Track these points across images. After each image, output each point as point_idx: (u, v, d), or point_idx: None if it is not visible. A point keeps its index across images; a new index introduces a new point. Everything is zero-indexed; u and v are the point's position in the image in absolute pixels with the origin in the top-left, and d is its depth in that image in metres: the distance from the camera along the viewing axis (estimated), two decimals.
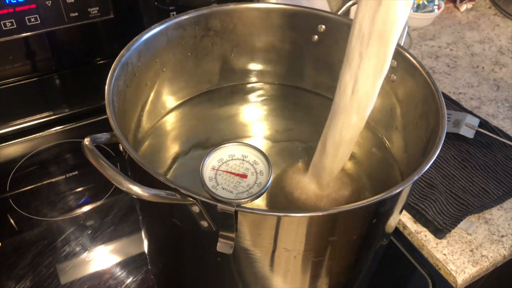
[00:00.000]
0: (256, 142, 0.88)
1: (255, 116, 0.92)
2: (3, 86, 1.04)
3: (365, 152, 0.85)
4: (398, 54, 0.78)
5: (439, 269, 0.87)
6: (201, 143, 0.86)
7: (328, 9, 1.28)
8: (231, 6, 0.85)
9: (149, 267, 0.85)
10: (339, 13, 0.86)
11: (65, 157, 1.05)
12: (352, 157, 0.84)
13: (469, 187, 0.97)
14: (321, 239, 0.59)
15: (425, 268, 0.88)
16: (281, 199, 0.76)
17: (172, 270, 0.78)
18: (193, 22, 0.83)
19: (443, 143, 0.63)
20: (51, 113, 1.12)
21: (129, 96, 0.74)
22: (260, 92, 0.96)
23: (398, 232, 0.93)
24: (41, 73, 1.08)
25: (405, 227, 0.92)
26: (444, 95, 1.16)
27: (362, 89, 0.63)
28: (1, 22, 0.96)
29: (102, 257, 0.87)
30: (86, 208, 0.95)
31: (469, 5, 1.56)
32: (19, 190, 0.98)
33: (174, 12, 1.11)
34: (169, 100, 0.89)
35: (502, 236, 0.91)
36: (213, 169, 0.58)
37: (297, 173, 0.77)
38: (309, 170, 0.74)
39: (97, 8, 1.03)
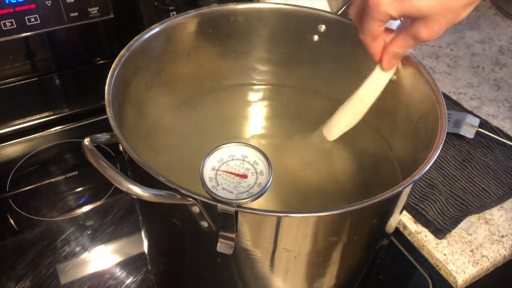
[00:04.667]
0: (256, 142, 0.88)
1: (255, 117, 0.92)
2: (3, 86, 1.04)
3: (365, 152, 0.85)
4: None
5: (439, 269, 0.87)
6: (201, 143, 0.86)
7: (328, 9, 1.28)
8: (231, 6, 0.85)
9: (149, 267, 0.85)
10: (339, 13, 0.86)
11: (65, 157, 1.05)
12: (352, 156, 0.84)
13: (469, 187, 0.97)
14: (321, 239, 0.59)
15: (425, 268, 0.88)
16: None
17: (172, 270, 0.78)
18: (193, 22, 0.83)
19: (443, 143, 0.62)
20: (51, 113, 1.12)
21: (129, 96, 0.74)
22: (260, 92, 0.96)
23: (398, 232, 0.93)
24: (41, 73, 1.08)
25: (405, 227, 0.92)
26: (444, 95, 1.16)
27: None
28: (1, 22, 0.96)
29: (102, 257, 0.87)
30: (86, 208, 0.95)
31: None
32: (19, 190, 0.98)
33: (174, 12, 1.11)
34: (169, 100, 0.88)
35: (503, 236, 0.91)
36: (213, 169, 0.58)
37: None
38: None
39: (97, 8, 1.03)
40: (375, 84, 0.75)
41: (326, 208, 0.54)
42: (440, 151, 0.62)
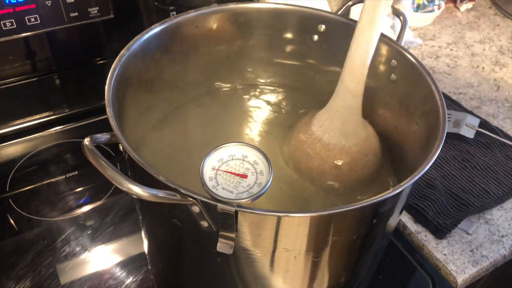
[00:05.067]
0: (256, 142, 0.88)
1: (255, 117, 0.92)
2: (3, 86, 1.04)
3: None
4: (398, 54, 0.78)
5: (439, 269, 0.87)
6: (201, 143, 0.86)
7: (328, 9, 1.28)
8: (231, 6, 0.85)
9: (149, 267, 0.85)
10: (339, 13, 0.86)
11: (65, 157, 1.05)
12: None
13: (469, 187, 0.97)
14: (321, 239, 0.59)
15: (425, 269, 0.88)
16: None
17: (172, 270, 0.78)
18: (193, 22, 0.83)
19: (443, 143, 0.62)
20: (51, 113, 1.12)
21: (129, 96, 0.74)
22: (260, 93, 0.96)
23: (398, 232, 0.93)
24: (41, 73, 1.08)
25: (405, 227, 0.92)
26: (444, 95, 1.16)
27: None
28: (1, 22, 0.96)
29: (102, 257, 0.87)
30: (86, 208, 0.95)
31: (469, 5, 1.56)
32: (19, 190, 0.98)
33: (174, 12, 1.11)
34: (170, 100, 0.89)
35: (502, 236, 0.91)
36: (213, 169, 0.58)
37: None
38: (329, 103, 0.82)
39: (97, 8, 1.03)
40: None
41: (326, 208, 0.54)
42: (440, 151, 0.62)
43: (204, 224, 0.55)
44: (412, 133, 0.77)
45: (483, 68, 1.31)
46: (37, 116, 1.11)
